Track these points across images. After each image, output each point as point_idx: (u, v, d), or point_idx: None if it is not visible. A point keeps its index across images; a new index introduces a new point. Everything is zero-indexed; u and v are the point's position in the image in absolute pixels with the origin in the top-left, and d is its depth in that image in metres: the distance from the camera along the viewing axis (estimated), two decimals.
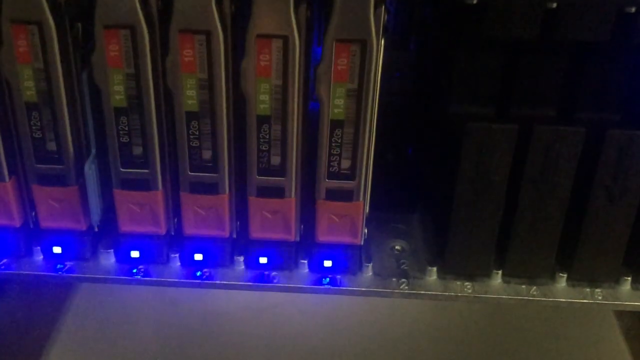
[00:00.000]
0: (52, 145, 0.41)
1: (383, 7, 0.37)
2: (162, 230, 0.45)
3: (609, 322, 0.68)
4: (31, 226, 0.45)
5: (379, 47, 0.38)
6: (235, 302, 0.68)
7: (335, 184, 0.42)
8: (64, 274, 0.46)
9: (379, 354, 0.64)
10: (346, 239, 0.45)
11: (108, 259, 0.46)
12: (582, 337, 0.67)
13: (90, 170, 0.43)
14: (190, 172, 0.42)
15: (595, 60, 0.41)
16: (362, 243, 0.45)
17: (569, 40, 0.39)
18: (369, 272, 0.46)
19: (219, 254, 0.46)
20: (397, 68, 0.55)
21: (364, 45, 0.37)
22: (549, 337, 0.66)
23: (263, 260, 0.46)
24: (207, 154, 0.41)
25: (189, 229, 0.44)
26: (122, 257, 0.46)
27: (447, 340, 0.65)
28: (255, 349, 0.64)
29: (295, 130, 0.40)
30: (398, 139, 0.55)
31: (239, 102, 0.40)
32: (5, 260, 0.46)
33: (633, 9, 0.38)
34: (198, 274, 0.46)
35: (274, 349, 0.64)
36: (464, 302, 0.46)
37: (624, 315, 0.68)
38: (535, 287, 0.46)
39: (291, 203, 0.43)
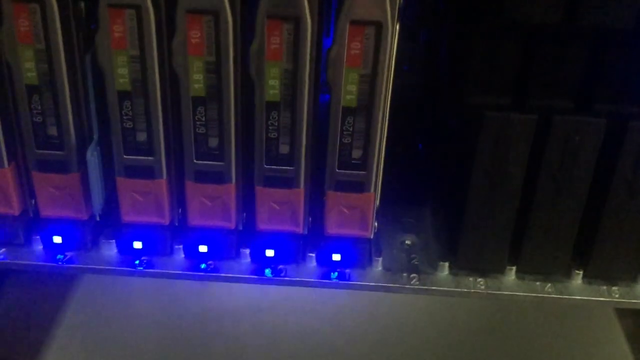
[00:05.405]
0: (52, 130, 0.40)
1: None
2: (166, 221, 0.43)
3: (610, 320, 0.67)
4: (31, 215, 0.44)
5: (394, 31, 0.36)
6: (238, 294, 0.67)
7: (345, 174, 0.41)
8: (64, 265, 0.44)
9: (384, 350, 0.63)
10: (356, 232, 0.43)
11: (110, 250, 0.45)
12: (583, 336, 0.66)
13: (92, 156, 0.42)
14: (196, 160, 0.41)
15: (617, 49, 0.40)
16: (372, 236, 0.44)
17: (591, 26, 0.37)
18: (378, 266, 0.45)
19: (224, 245, 0.44)
20: (406, 61, 0.54)
21: (379, 29, 0.36)
22: (549, 335, 0.65)
23: (270, 253, 0.44)
24: (213, 142, 0.40)
25: (194, 220, 0.43)
26: (124, 247, 0.45)
27: (450, 336, 0.65)
28: (258, 343, 0.63)
29: (305, 117, 0.39)
30: (407, 132, 0.54)
31: (248, 87, 0.39)
32: (3, 250, 0.45)
33: None
34: (202, 266, 0.45)
35: (277, 344, 0.63)
36: (477, 298, 0.45)
37: (625, 314, 0.68)
38: (550, 284, 0.45)
39: (300, 194, 0.42)
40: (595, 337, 0.66)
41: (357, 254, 0.44)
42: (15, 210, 0.43)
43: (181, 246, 0.45)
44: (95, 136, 0.42)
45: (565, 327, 0.66)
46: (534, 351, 0.64)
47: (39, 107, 0.39)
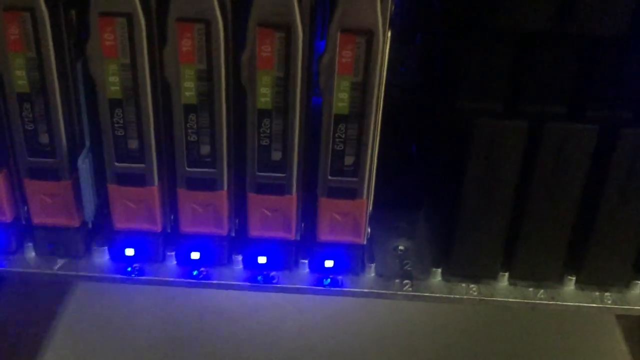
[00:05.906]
0: (44, 138, 0.40)
1: None
2: (158, 228, 0.43)
3: (609, 324, 0.67)
4: (23, 222, 0.44)
5: (385, 39, 0.36)
6: (233, 300, 0.67)
7: (338, 181, 0.41)
8: (56, 272, 0.44)
9: (377, 356, 0.63)
10: (348, 238, 0.43)
11: (102, 257, 0.45)
12: (582, 339, 0.66)
13: (84, 164, 0.41)
14: (188, 167, 0.41)
15: (609, 56, 0.39)
16: (364, 242, 0.44)
17: (583, 33, 0.37)
18: (371, 272, 0.45)
19: (216, 252, 0.44)
20: (402, 63, 0.53)
21: (370, 37, 0.36)
22: (549, 339, 0.65)
23: (262, 259, 0.44)
24: (205, 149, 0.40)
25: (186, 227, 0.43)
26: (117, 254, 0.45)
27: (443, 342, 0.65)
28: (253, 350, 0.63)
29: (297, 124, 0.39)
30: (402, 136, 0.53)
31: (239, 94, 0.39)
32: None
33: None
34: (195, 273, 0.44)
35: (272, 350, 0.63)
36: (470, 304, 0.45)
37: (624, 318, 0.67)
38: (542, 290, 0.45)
39: (292, 200, 0.42)
40: (594, 337, 0.66)
41: (350, 260, 0.44)
42: (8, 217, 0.43)
43: (173, 253, 0.45)
44: (87, 144, 0.42)
45: (563, 328, 0.66)
46: (532, 355, 0.64)
47: (31, 115, 0.39)
